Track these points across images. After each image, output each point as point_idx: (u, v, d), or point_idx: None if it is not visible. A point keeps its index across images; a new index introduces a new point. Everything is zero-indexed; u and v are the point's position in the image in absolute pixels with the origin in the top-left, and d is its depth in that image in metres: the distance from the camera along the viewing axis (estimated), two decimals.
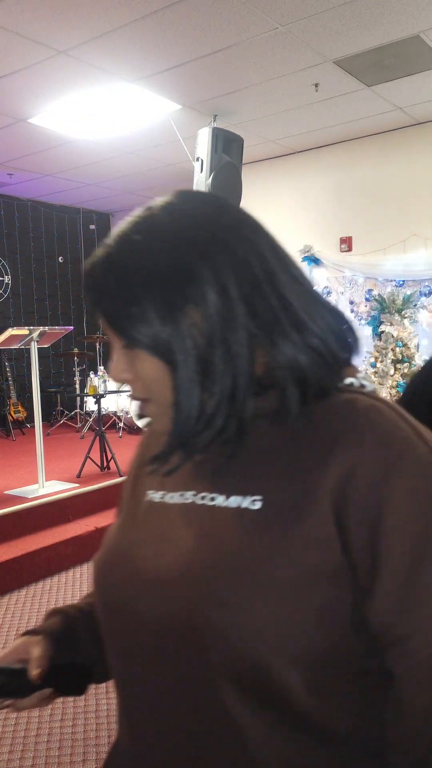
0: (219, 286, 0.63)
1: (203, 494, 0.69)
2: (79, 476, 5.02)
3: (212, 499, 0.67)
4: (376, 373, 5.73)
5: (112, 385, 7.37)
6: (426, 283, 5.85)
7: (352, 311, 6.32)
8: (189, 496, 0.70)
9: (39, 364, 4.85)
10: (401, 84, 4.91)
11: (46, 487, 4.69)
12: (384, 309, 5.79)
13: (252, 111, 5.37)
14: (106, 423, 7.58)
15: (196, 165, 5.22)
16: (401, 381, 5.62)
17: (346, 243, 6.34)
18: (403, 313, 5.72)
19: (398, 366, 5.63)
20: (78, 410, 8.05)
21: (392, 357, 5.65)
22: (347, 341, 0.69)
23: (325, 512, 0.61)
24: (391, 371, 5.64)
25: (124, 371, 0.68)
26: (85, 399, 7.65)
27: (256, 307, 0.64)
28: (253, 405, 0.65)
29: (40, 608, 3.41)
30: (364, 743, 0.65)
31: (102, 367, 7.03)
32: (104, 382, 5.82)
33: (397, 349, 5.64)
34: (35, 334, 4.72)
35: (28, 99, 4.90)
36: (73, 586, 3.73)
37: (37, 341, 4.77)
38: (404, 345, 5.64)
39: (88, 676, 0.82)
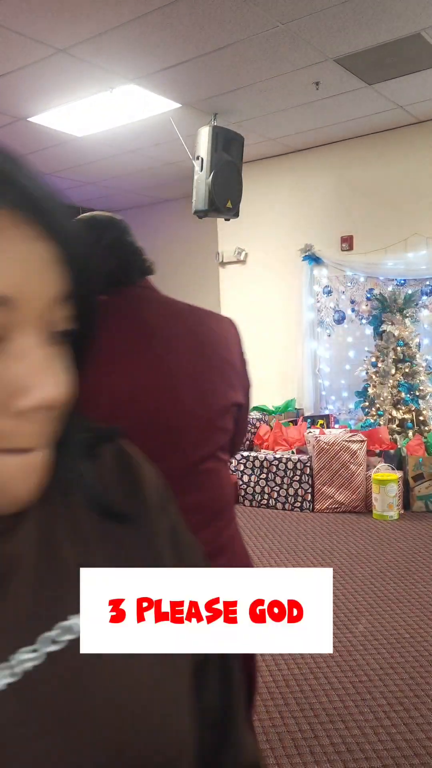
0: None
1: None
2: None
3: None
4: (377, 372, 5.72)
5: None
6: (427, 282, 5.83)
7: (353, 310, 6.31)
8: None
9: None
10: (402, 82, 4.89)
11: None
12: (385, 308, 5.77)
13: (252, 109, 5.35)
14: None
15: (196, 164, 5.20)
16: (402, 380, 5.60)
17: (347, 242, 6.32)
18: (404, 312, 5.71)
19: (399, 366, 5.62)
20: None
21: (393, 356, 5.63)
22: None
23: None
24: (393, 371, 5.63)
25: None
26: None
27: None
28: None
29: None
30: None
31: None
32: None
33: (399, 348, 5.62)
34: None
35: (28, 98, 4.88)
36: None
37: None
38: (405, 344, 5.63)
39: None
